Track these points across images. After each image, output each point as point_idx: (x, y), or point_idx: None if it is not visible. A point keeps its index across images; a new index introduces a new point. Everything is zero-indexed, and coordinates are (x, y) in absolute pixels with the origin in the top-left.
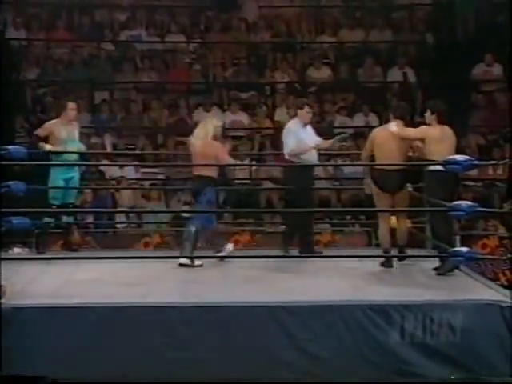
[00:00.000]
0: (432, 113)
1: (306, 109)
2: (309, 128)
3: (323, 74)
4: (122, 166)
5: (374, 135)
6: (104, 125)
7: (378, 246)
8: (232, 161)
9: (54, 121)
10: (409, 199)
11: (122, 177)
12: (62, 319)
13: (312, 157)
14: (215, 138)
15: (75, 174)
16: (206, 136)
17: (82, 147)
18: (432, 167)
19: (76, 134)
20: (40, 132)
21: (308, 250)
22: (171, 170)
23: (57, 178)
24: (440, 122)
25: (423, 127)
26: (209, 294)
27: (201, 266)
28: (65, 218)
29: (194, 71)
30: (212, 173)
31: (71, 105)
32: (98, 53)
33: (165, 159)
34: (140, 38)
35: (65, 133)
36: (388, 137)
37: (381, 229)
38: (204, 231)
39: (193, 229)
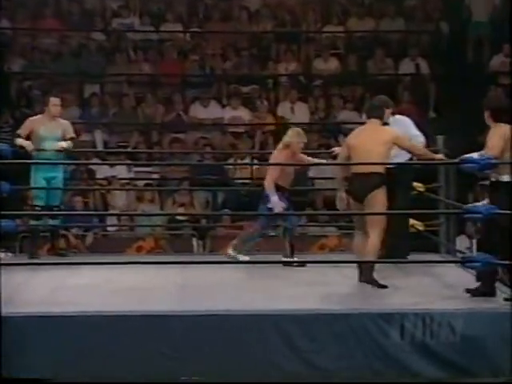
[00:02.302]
0: (487, 109)
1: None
2: None
3: (330, 66)
4: (113, 165)
5: (350, 139)
6: (94, 120)
7: None
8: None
9: (35, 117)
10: (382, 206)
11: (113, 176)
12: (53, 328)
13: None
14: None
15: (58, 173)
16: None
17: (66, 145)
18: (503, 177)
19: (59, 132)
20: (21, 131)
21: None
22: (166, 169)
23: (37, 177)
24: (497, 120)
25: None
26: (206, 302)
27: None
28: (50, 221)
29: (191, 63)
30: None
31: (53, 100)
32: (88, 43)
33: (159, 158)
34: (133, 27)
35: (44, 130)
36: (366, 140)
37: (355, 241)
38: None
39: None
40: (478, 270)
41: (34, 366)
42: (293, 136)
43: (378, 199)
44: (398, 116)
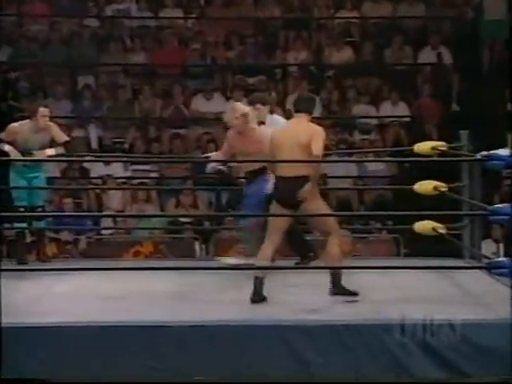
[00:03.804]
0: None
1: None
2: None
3: (343, 55)
4: (108, 163)
5: (274, 135)
6: (87, 114)
7: (407, 255)
8: None
9: (20, 123)
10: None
11: (108, 175)
12: (36, 340)
13: None
14: None
15: (40, 173)
16: None
17: (53, 152)
18: None
19: (46, 143)
20: (3, 136)
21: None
22: (166, 168)
23: (17, 177)
24: None
25: None
26: (204, 312)
27: None
28: (34, 223)
29: (192, 52)
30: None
31: (42, 111)
32: (81, 30)
33: (158, 155)
34: (129, 12)
35: (29, 143)
36: (290, 137)
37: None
38: None
39: None
40: None
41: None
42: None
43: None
44: (275, 116)
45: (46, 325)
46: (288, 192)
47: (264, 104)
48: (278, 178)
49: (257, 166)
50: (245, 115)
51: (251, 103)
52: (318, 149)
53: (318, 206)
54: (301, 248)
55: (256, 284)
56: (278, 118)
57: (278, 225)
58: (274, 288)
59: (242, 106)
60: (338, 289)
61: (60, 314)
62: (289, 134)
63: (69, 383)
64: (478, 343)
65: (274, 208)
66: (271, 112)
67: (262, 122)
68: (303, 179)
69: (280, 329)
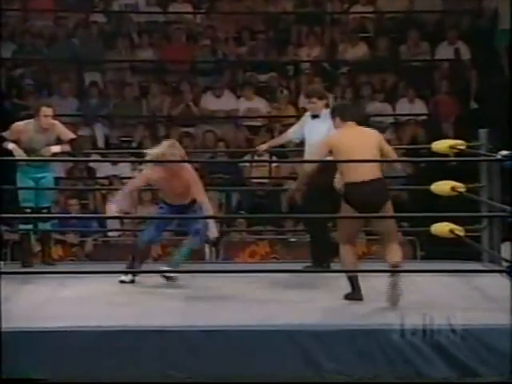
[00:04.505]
0: None
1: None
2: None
3: (358, 51)
4: (115, 163)
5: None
6: (94, 113)
7: (424, 258)
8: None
9: (25, 122)
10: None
11: (115, 176)
12: (43, 345)
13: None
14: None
15: (47, 173)
16: None
17: (58, 149)
18: None
19: (50, 143)
20: (8, 135)
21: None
22: None
23: (24, 177)
24: None
25: None
26: (216, 316)
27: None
28: (39, 225)
29: (202, 48)
30: None
31: (45, 110)
32: (87, 26)
33: None
34: (137, 7)
35: (33, 143)
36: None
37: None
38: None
39: None
40: None
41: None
42: (165, 147)
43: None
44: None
45: (52, 329)
46: (372, 195)
47: (320, 98)
48: (354, 184)
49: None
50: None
51: (308, 97)
52: (390, 149)
53: (390, 207)
54: (320, 254)
55: (353, 281)
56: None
57: (354, 229)
58: (286, 291)
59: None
60: (355, 294)
61: (67, 318)
62: (357, 141)
63: (69, 383)
64: (496, 348)
65: (347, 213)
66: (327, 106)
67: (316, 116)
68: (381, 181)
69: (292, 333)
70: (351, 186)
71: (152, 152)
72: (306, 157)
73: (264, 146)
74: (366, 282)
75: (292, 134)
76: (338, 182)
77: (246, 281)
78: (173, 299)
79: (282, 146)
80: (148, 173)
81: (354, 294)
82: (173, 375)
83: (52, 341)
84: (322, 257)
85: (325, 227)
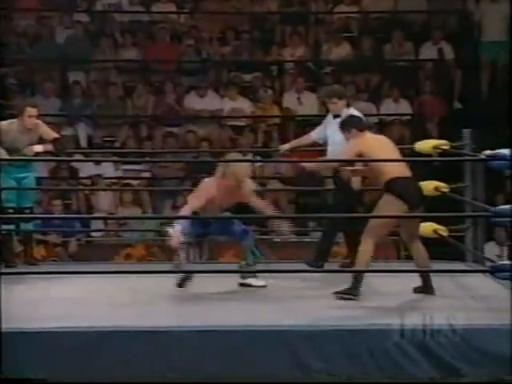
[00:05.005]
0: None
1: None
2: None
3: (342, 50)
4: (98, 163)
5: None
6: (77, 112)
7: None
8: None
9: (8, 122)
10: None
11: (98, 175)
12: (38, 346)
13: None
14: None
15: (30, 173)
16: None
17: (40, 149)
18: None
19: (36, 143)
20: None
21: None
22: (159, 167)
23: (6, 177)
24: None
25: None
26: (208, 316)
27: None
28: (22, 225)
29: (186, 48)
30: None
31: (30, 111)
32: (71, 25)
33: (151, 154)
34: (121, 7)
35: (16, 143)
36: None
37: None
38: None
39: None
40: None
41: None
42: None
43: None
44: (351, 109)
45: (39, 330)
46: (417, 191)
47: (340, 98)
48: (404, 178)
49: None
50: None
51: (328, 97)
52: None
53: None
54: (322, 251)
55: (358, 279)
56: (354, 112)
57: (391, 228)
58: (277, 292)
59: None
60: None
61: (52, 319)
62: (382, 144)
63: (69, 383)
64: (481, 348)
65: (396, 208)
66: (348, 105)
67: (337, 116)
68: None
69: (281, 333)
70: (403, 180)
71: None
72: (329, 156)
73: (286, 146)
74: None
75: (316, 134)
76: (356, 183)
77: (228, 280)
78: (162, 300)
79: (265, 145)
80: (212, 190)
81: (352, 291)
82: (160, 373)
83: (48, 341)
84: (324, 256)
85: (338, 228)
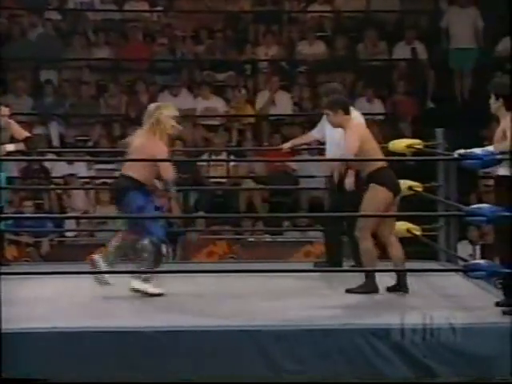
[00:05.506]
0: (497, 97)
1: None
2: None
3: (316, 50)
4: (70, 162)
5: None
6: (49, 111)
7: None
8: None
9: None
10: None
11: (71, 175)
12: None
13: None
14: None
15: (0, 173)
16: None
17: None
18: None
19: (7, 142)
20: None
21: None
22: None
23: None
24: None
25: None
26: (176, 317)
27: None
28: None
29: (159, 46)
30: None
31: (1, 110)
32: (42, 23)
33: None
34: (93, 5)
35: None
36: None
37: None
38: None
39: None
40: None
41: None
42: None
43: None
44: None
45: (47, 330)
46: (396, 180)
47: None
48: (384, 169)
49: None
50: None
51: (325, 95)
52: None
53: None
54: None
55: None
56: (352, 110)
57: (380, 209)
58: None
59: None
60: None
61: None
62: (367, 130)
63: (68, 383)
64: (455, 348)
65: (382, 195)
66: None
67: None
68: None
69: (252, 334)
70: (386, 170)
71: None
72: (328, 154)
73: (288, 144)
74: (327, 282)
75: (316, 132)
76: (349, 184)
77: (202, 281)
78: (130, 299)
79: (239, 144)
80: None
81: (368, 287)
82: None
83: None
84: (337, 257)
85: (341, 228)
